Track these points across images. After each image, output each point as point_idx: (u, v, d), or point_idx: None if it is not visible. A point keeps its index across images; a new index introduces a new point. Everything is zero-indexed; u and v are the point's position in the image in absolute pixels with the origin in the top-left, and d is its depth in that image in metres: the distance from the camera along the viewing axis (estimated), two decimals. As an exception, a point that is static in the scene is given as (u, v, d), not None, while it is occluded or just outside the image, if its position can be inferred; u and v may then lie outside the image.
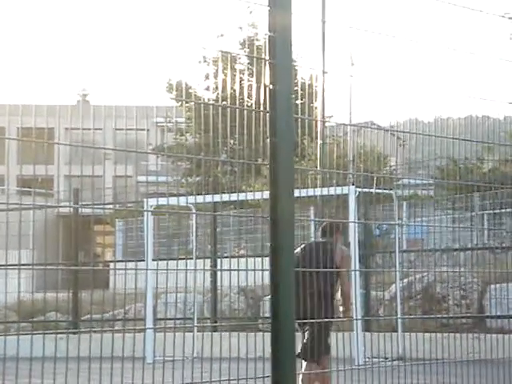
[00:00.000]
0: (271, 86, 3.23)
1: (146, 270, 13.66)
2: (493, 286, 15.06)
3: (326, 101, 21.08)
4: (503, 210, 19.91)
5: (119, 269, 20.61)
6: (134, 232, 21.81)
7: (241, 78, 19.89)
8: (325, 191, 14.35)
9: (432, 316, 10.11)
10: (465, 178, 22.95)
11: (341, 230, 9.58)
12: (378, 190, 14.76)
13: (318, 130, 20.31)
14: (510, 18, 23.40)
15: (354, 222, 13.11)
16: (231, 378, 4.03)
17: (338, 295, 9.06)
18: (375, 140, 23.52)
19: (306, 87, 20.36)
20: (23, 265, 18.84)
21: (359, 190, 13.60)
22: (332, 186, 14.90)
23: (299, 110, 7.98)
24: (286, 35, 3.21)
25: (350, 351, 11.94)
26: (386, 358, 12.87)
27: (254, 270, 5.65)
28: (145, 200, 14.81)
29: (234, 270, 12.93)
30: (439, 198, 22.70)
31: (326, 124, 23.09)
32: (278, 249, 3.33)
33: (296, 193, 3.45)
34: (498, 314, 14.63)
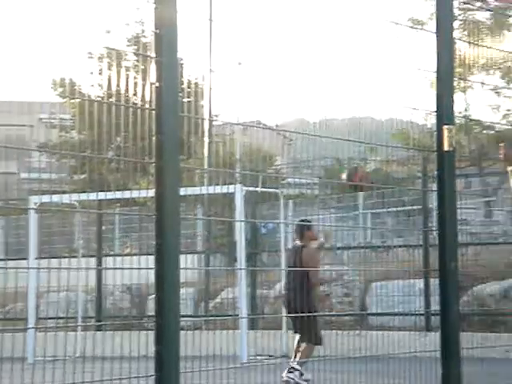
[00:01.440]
0: (157, 84, 3.21)
1: (28, 268, 13.39)
2: (374, 284, 15.39)
3: (213, 99, 21.14)
4: (386, 210, 20.35)
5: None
6: (16, 230, 21.33)
7: (127, 75, 19.65)
8: (212, 190, 14.38)
9: (315, 314, 10.36)
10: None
11: (311, 228, 10.76)
12: (264, 189, 14.88)
13: (205, 128, 20.32)
14: (392, 22, 23.83)
15: (241, 221, 13.18)
16: (114, 377, 3.99)
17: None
18: (262, 139, 23.71)
19: (193, 85, 20.32)
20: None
21: (246, 188, 13.68)
22: (219, 184, 14.95)
23: (186, 108, 7.96)
24: (171, 32, 3.20)
25: (234, 349, 12.00)
26: (271, 356, 13.00)
27: (139, 268, 5.61)
28: (30, 197, 14.52)
29: (118, 268, 12.82)
30: (324, 197, 23.04)
31: (214, 123, 23.12)
32: (163, 247, 3.32)
33: (182, 191, 3.43)
34: (380, 311, 14.96)
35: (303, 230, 10.51)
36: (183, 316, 16.05)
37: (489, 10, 18.23)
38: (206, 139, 20.29)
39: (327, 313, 14.94)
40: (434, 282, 6.35)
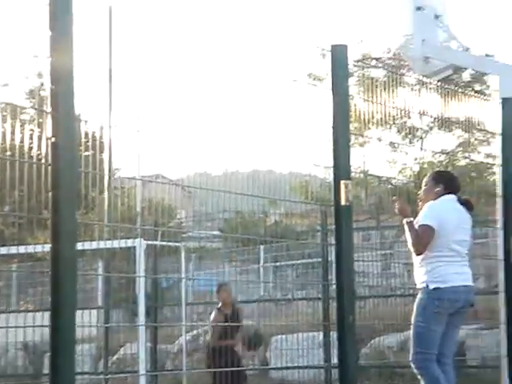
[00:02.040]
0: (53, 139, 3.18)
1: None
2: (275, 338, 15.41)
3: (113, 153, 21.01)
4: (287, 263, 20.50)
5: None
6: None
7: (25, 129, 19.42)
8: (114, 244, 14.21)
9: (215, 369, 10.39)
10: (251, 231, 23.46)
11: (222, 291, 11.94)
12: (165, 243, 14.80)
13: (106, 182, 20.15)
14: (289, 80, 24.30)
15: (142, 277, 13.03)
16: None
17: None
18: (164, 192, 23.63)
19: (93, 139, 20.20)
20: None
21: (147, 242, 13.57)
22: (120, 238, 14.79)
23: (86, 162, 7.88)
24: (67, 87, 3.18)
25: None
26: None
27: (33, 326, 5.48)
28: None
29: (12, 327, 12.50)
30: (226, 250, 23.07)
31: (115, 176, 22.96)
32: (59, 304, 3.25)
33: (81, 246, 3.38)
34: (280, 364, 14.97)
35: (217, 292, 12.03)
36: (81, 373, 15.74)
37: (383, 68, 18.76)
38: (107, 193, 20.11)
39: (227, 368, 14.84)
40: (334, 335, 6.40)
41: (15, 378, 15.79)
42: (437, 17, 7.48)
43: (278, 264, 21.34)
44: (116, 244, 14.00)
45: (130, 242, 13.48)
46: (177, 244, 15.04)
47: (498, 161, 7.24)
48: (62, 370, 3.21)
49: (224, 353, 11.16)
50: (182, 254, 14.19)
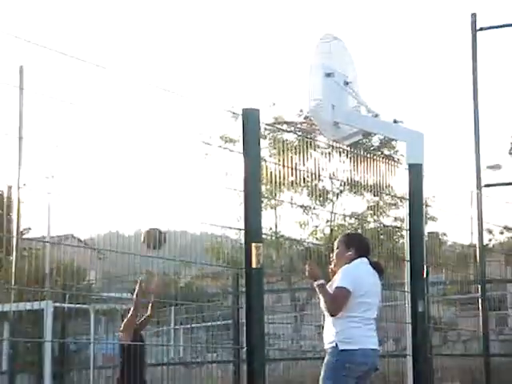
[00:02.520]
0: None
1: None
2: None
3: (23, 213, 20.66)
4: (198, 325, 20.33)
5: None
6: None
7: None
8: (21, 306, 13.91)
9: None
10: (162, 293, 23.23)
11: None
12: (74, 305, 14.55)
13: (14, 243, 19.77)
14: (202, 142, 24.47)
15: (48, 341, 12.77)
16: None
17: None
18: (74, 253, 23.27)
19: (1, 199, 19.92)
20: None
21: (55, 304, 13.33)
22: (28, 300, 14.48)
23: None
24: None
25: None
26: None
27: None
28: None
29: None
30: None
31: (24, 236, 22.56)
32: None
33: None
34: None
35: None
36: None
37: (294, 133, 19.04)
38: (14, 254, 19.73)
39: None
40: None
41: None
42: (346, 83, 7.63)
43: (189, 326, 21.16)
44: (23, 306, 13.71)
45: (37, 305, 13.23)
46: (86, 306, 14.81)
47: (406, 225, 7.38)
48: None
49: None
50: (92, 317, 13.98)
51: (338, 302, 6.30)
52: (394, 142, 24.56)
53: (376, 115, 7.74)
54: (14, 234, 19.64)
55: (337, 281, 6.41)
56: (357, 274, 6.45)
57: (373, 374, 6.55)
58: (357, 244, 6.65)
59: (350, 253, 6.56)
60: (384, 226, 21.42)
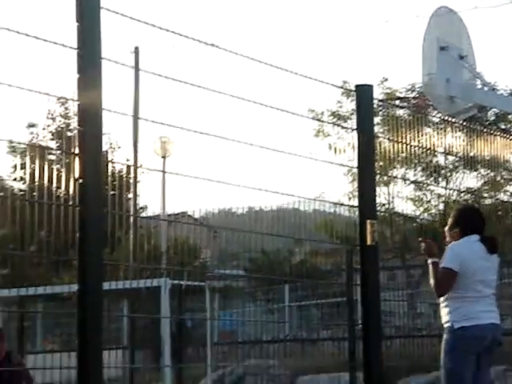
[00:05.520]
0: (80, 180, 3.20)
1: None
2: (301, 378, 15.29)
3: (139, 192, 21.12)
4: (312, 302, 20.38)
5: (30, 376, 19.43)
6: None
7: (51, 169, 19.56)
8: (139, 283, 14.23)
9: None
10: (275, 270, 23.40)
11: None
12: (190, 282, 14.79)
13: (131, 221, 20.23)
14: (314, 118, 24.44)
15: (167, 318, 13.02)
16: None
17: None
18: (188, 231, 23.63)
19: (119, 179, 20.29)
20: None
21: (172, 282, 13.57)
22: (146, 278, 14.81)
23: (111, 201, 7.93)
24: (95, 129, 3.21)
25: None
26: None
27: (60, 368, 5.49)
28: None
29: (39, 368, 12.48)
30: (251, 289, 22.99)
31: (140, 216, 23.03)
32: (85, 345, 3.25)
33: (107, 286, 3.38)
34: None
35: None
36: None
37: (407, 108, 18.78)
38: (132, 232, 20.17)
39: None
40: (360, 376, 6.34)
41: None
42: (461, 57, 7.48)
43: (303, 303, 21.23)
44: (141, 284, 14.02)
45: (155, 282, 13.50)
46: (201, 283, 15.02)
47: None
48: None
49: None
50: (207, 294, 14.17)
51: (443, 282, 6.22)
52: (510, 116, 23.95)
53: (492, 88, 7.58)
54: (132, 212, 20.07)
55: (442, 260, 6.33)
56: (462, 253, 6.32)
57: (496, 349, 6.42)
58: (466, 220, 6.51)
59: (458, 229, 6.44)
60: (501, 201, 20.94)
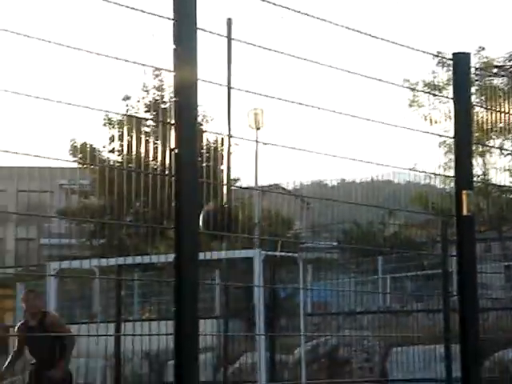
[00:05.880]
0: (176, 150, 3.23)
1: (48, 334, 13.31)
2: (395, 349, 15.23)
3: (231, 164, 21.25)
4: (405, 274, 20.24)
5: (17, 335, 20.04)
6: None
7: (146, 140, 19.92)
8: (232, 254, 14.36)
9: (336, 380, 10.10)
10: (368, 242, 23.29)
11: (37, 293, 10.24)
12: (282, 253, 14.84)
13: (224, 193, 20.36)
14: (409, 88, 24.11)
15: (261, 286, 13.11)
16: None
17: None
18: (281, 203, 23.73)
19: (212, 150, 20.43)
20: None
21: (265, 252, 13.64)
22: (237, 248, 14.94)
23: (204, 173, 8.00)
24: (191, 99, 3.23)
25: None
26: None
27: (158, 334, 5.59)
28: (47, 263, 14.54)
29: (138, 334, 12.74)
30: (343, 261, 22.97)
31: (232, 187, 23.17)
32: (182, 313, 3.30)
33: (201, 256, 3.43)
34: (400, 376, 14.78)
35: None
36: (202, 382, 15.84)
37: (505, 76, 18.36)
38: (225, 204, 20.31)
39: (348, 379, 14.78)
40: (456, 348, 6.28)
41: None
42: None
43: (396, 275, 21.09)
44: (234, 254, 14.15)
45: (248, 253, 13.60)
46: (294, 255, 15.05)
47: None
48: (186, 379, 3.25)
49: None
50: (300, 265, 14.20)
51: None
52: None
53: None
54: (225, 184, 20.22)
55: None
56: None
57: None
58: None
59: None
60: None
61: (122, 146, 26.13)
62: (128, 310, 19.91)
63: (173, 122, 3.22)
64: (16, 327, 9.90)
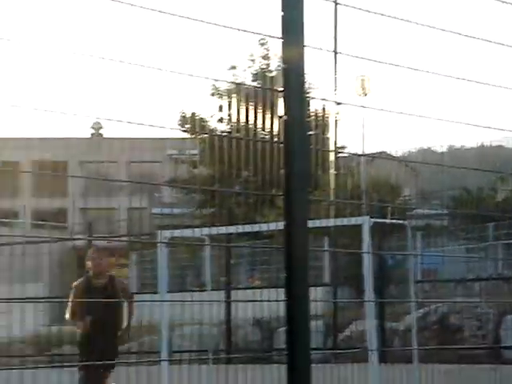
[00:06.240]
0: (285, 117, 3.24)
1: (161, 301, 13.58)
2: (509, 317, 14.96)
3: (338, 131, 21.14)
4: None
5: (134, 301, 20.56)
6: (147, 264, 21.81)
7: (254, 109, 19.99)
8: (340, 222, 14.32)
9: (448, 347, 9.96)
10: (479, 208, 22.88)
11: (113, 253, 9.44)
12: (392, 221, 14.73)
13: (331, 160, 20.30)
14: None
15: (369, 253, 13.04)
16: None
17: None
18: (388, 170, 23.51)
19: (319, 118, 20.38)
20: (38, 298, 18.85)
21: (373, 220, 13.55)
22: (345, 216, 14.89)
23: (312, 140, 8.00)
24: (299, 67, 3.23)
25: (366, 383, 11.87)
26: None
27: (268, 301, 5.64)
28: (158, 232, 14.80)
29: (249, 301, 12.88)
30: (453, 228, 22.64)
31: (339, 155, 23.07)
32: (293, 280, 3.32)
33: (310, 223, 3.43)
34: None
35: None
36: (313, 349, 15.90)
37: None
38: (332, 171, 20.26)
39: (460, 346, 14.61)
40: None
41: (248, 353, 16.30)
42: None
43: (508, 241, 20.69)
44: (342, 222, 14.12)
45: (356, 220, 13.52)
46: (403, 222, 14.90)
47: None
48: (298, 345, 3.27)
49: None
50: (409, 232, 14.06)
51: None
52: None
53: None
54: (332, 151, 20.15)
55: None
56: None
57: None
58: None
59: None
60: None
61: (229, 115, 26.25)
62: (237, 278, 20.15)
63: (281, 89, 3.22)
64: (73, 286, 8.87)
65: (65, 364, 11.85)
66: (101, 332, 8.46)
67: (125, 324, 8.94)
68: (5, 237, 15.64)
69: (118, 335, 8.82)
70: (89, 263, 8.83)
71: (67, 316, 8.80)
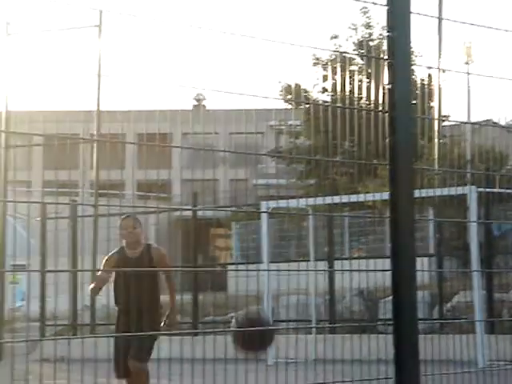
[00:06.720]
0: (390, 86, 3.21)
1: (266, 270, 13.73)
2: None
3: (442, 99, 20.77)
4: None
5: (237, 270, 20.83)
6: (250, 235, 22.00)
7: (355, 79, 19.83)
8: (445, 191, 14.15)
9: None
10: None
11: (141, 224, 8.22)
12: (499, 190, 14.45)
13: (435, 129, 20.00)
14: None
15: (475, 222, 12.85)
16: (353, 379, 4.02)
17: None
18: (494, 139, 23.01)
19: (423, 86, 20.06)
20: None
21: (480, 189, 13.33)
22: (450, 186, 14.68)
23: (416, 109, 7.89)
24: (404, 34, 3.19)
25: (472, 354, 11.73)
26: (510, 362, 12.57)
27: (375, 270, 5.62)
28: (262, 202, 14.90)
29: (355, 270, 12.87)
30: None
31: (444, 123, 22.72)
32: (399, 249, 3.31)
33: (415, 193, 3.42)
34: None
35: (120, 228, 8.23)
36: (419, 319, 15.77)
37: None
38: (437, 140, 19.97)
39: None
40: None
41: (352, 323, 16.29)
42: None
43: None
44: (447, 192, 13.93)
45: (460, 190, 13.34)
46: (510, 191, 14.62)
47: None
48: (405, 315, 3.27)
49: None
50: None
51: None
52: None
53: None
54: (436, 119, 19.85)
55: None
56: None
57: None
58: None
59: None
60: None
61: (333, 84, 26.06)
62: (339, 248, 20.12)
63: (386, 57, 3.19)
64: (105, 259, 8.09)
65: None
66: (131, 309, 7.64)
67: (166, 309, 8.02)
68: (113, 207, 15.97)
69: (157, 318, 7.90)
70: (123, 232, 7.97)
71: (90, 288, 8.06)
